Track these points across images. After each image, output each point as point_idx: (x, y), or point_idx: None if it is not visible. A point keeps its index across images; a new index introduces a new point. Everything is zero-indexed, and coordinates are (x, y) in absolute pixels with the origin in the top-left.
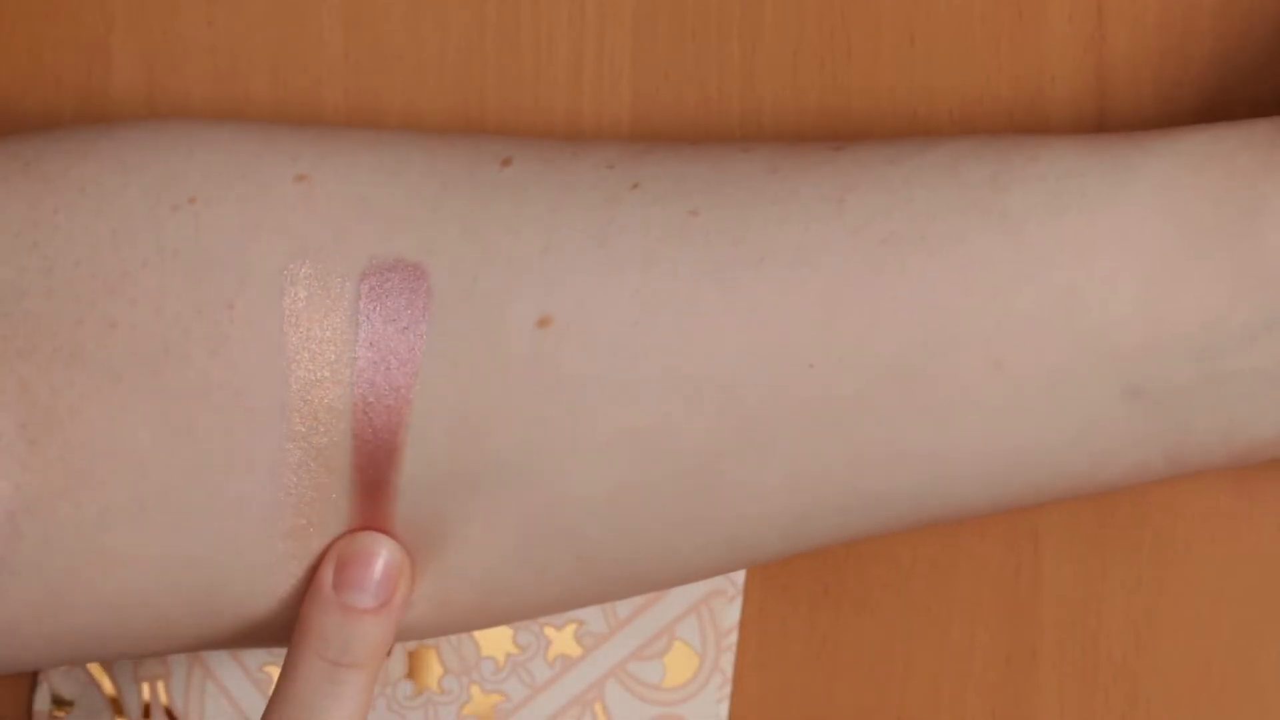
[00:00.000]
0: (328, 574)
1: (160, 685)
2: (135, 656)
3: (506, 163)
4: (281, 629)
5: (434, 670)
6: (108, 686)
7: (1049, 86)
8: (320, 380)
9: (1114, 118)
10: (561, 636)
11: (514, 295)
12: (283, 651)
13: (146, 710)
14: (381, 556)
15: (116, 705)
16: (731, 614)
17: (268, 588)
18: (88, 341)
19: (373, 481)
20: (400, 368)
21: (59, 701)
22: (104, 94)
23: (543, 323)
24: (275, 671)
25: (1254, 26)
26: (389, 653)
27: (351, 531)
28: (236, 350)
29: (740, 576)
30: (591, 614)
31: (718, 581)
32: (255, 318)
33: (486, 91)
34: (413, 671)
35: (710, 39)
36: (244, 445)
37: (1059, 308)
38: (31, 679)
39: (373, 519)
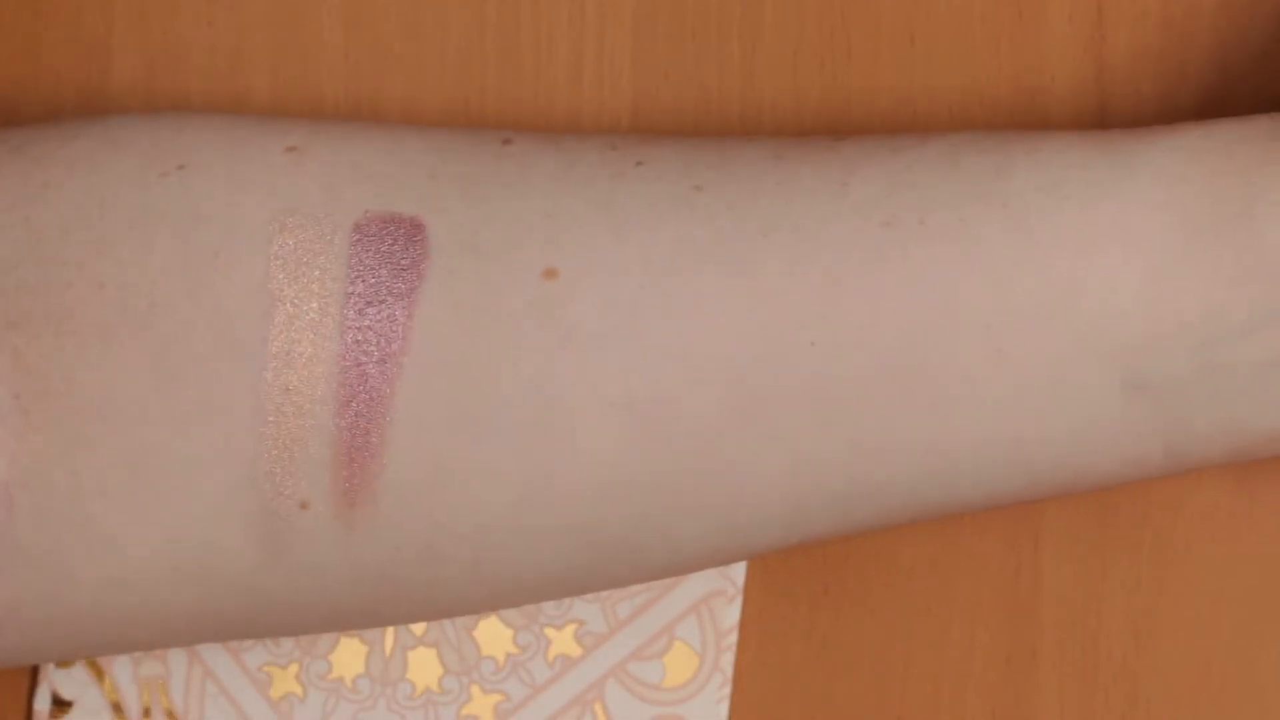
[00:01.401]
0: None
1: (160, 686)
2: (135, 647)
3: (507, 142)
4: (276, 603)
5: (434, 670)
6: (107, 687)
7: (1049, 86)
8: (306, 315)
9: (1114, 117)
10: (561, 636)
11: (518, 248)
12: (282, 650)
13: (146, 711)
14: None
15: (116, 706)
16: (731, 614)
17: (257, 542)
18: (77, 305)
19: (361, 416)
20: (396, 305)
21: (59, 702)
22: (104, 93)
23: (548, 274)
24: (275, 671)
25: (1253, 27)
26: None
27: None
28: (220, 293)
29: (740, 576)
30: (591, 614)
31: (718, 581)
32: (240, 263)
33: (486, 91)
34: (413, 671)
35: (710, 39)
36: (226, 384)
37: (1059, 297)
38: (31, 679)
39: (360, 455)
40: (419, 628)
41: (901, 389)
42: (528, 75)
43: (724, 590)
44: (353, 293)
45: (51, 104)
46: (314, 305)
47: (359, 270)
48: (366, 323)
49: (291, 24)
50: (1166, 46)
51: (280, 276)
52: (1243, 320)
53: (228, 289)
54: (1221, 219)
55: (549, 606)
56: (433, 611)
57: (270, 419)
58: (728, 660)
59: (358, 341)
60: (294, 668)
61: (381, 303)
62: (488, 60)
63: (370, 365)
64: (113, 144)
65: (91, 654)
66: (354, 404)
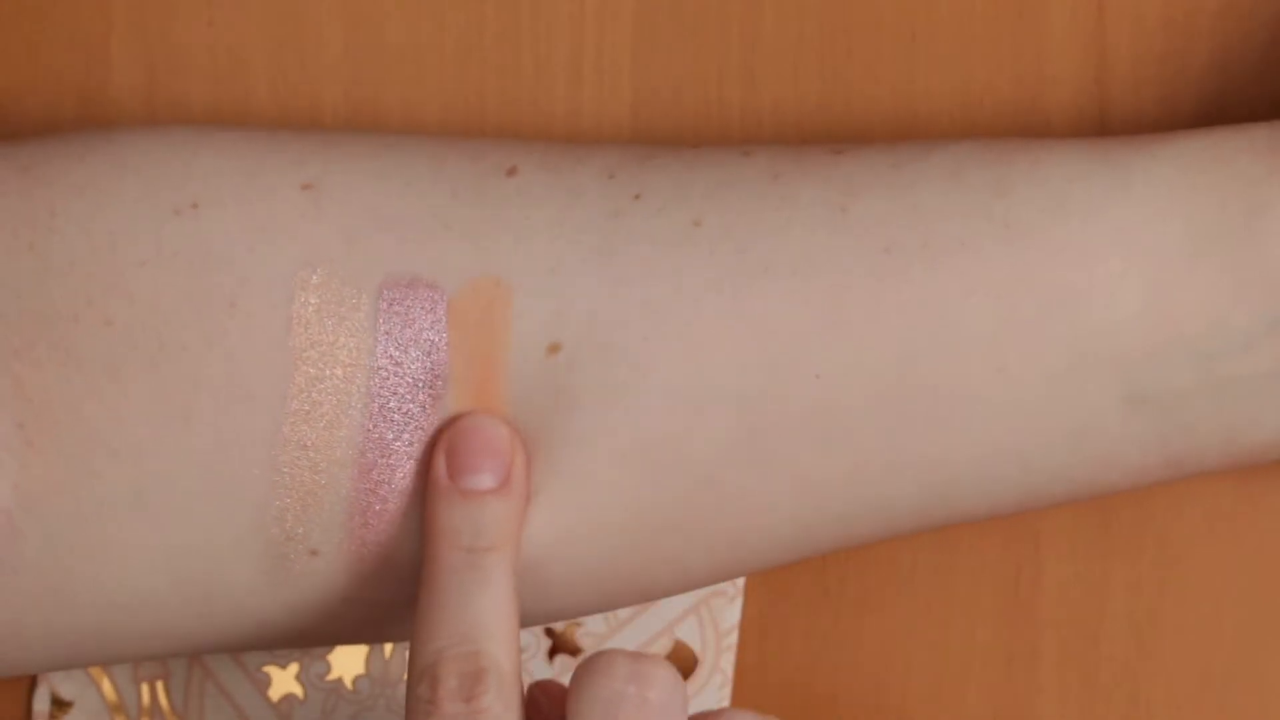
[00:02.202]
0: (440, 465)
1: (160, 686)
2: (136, 659)
3: (512, 172)
4: (277, 626)
5: None
6: (107, 688)
7: (1050, 87)
8: (330, 379)
9: (1115, 117)
10: (562, 637)
11: (523, 325)
12: (282, 651)
13: (146, 711)
14: (490, 433)
15: (116, 707)
16: (731, 614)
17: (262, 577)
18: (84, 339)
19: (380, 484)
20: (426, 394)
21: (58, 702)
22: (104, 94)
23: (552, 349)
24: (275, 672)
25: (1254, 27)
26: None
27: (457, 417)
28: (235, 343)
29: (740, 577)
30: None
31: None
32: (257, 315)
33: (486, 91)
34: None
35: (710, 39)
36: (238, 427)
37: (1060, 311)
38: (31, 680)
39: (377, 519)
40: None
41: (904, 409)
42: (527, 75)
43: (724, 590)
44: (380, 367)
45: (51, 105)
46: (339, 372)
47: (388, 348)
48: (394, 404)
49: (291, 24)
50: (1167, 47)
51: (302, 336)
52: (1244, 332)
53: (243, 339)
54: (1223, 231)
55: None
56: None
57: (284, 470)
58: (728, 660)
59: (383, 412)
60: (294, 668)
61: (414, 388)
62: (487, 60)
63: (395, 442)
64: (121, 170)
65: (93, 664)
66: (374, 472)
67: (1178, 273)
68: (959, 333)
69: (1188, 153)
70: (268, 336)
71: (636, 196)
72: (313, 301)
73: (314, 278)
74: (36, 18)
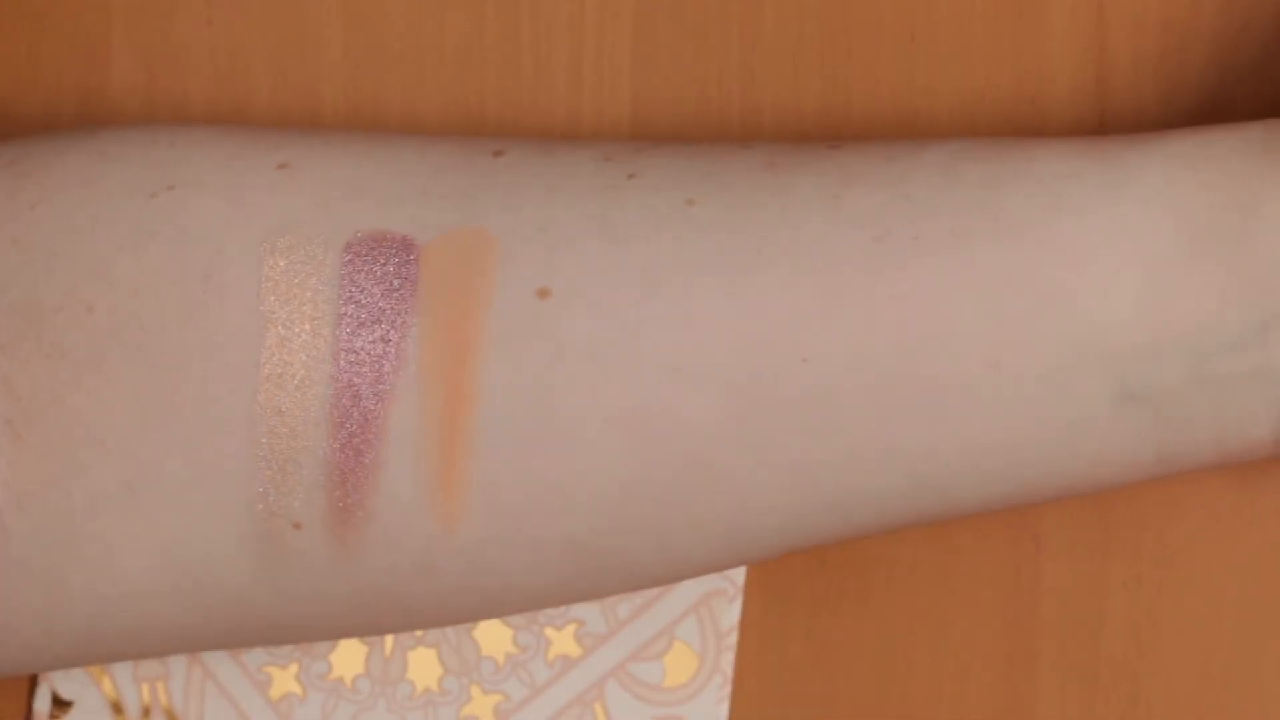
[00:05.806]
0: None
1: (160, 686)
2: (134, 656)
3: (499, 154)
4: (270, 614)
5: (434, 670)
6: (107, 687)
7: (1049, 86)
8: (298, 337)
9: (1114, 117)
10: (561, 637)
11: (512, 264)
12: (282, 651)
13: (146, 711)
14: None
15: (116, 706)
16: (731, 614)
17: (251, 559)
18: (68, 328)
19: (354, 437)
20: (388, 326)
21: (59, 702)
22: (104, 94)
23: (542, 294)
24: (275, 671)
25: (1254, 26)
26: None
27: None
28: (211, 317)
29: (740, 576)
30: (591, 614)
31: (718, 581)
32: (231, 286)
33: (486, 91)
34: (413, 672)
35: (710, 39)
36: (219, 406)
37: (1054, 308)
38: (31, 679)
39: (353, 476)
40: None
41: (896, 400)
42: (527, 76)
43: (724, 590)
44: (345, 314)
45: (51, 106)
46: (306, 327)
47: (351, 291)
48: (359, 344)
49: (291, 24)
50: (1167, 47)
51: (272, 298)
52: (1237, 331)
53: (219, 311)
54: (1217, 231)
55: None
56: (428, 622)
57: (263, 441)
58: (728, 660)
59: (350, 363)
60: (294, 668)
61: (374, 324)
62: (487, 61)
63: (363, 386)
64: (104, 158)
65: (91, 664)
66: (347, 425)
67: (1171, 271)
68: (951, 326)
69: (1181, 151)
70: (241, 305)
71: (631, 176)
72: (281, 264)
73: (282, 241)
74: (36, 18)
